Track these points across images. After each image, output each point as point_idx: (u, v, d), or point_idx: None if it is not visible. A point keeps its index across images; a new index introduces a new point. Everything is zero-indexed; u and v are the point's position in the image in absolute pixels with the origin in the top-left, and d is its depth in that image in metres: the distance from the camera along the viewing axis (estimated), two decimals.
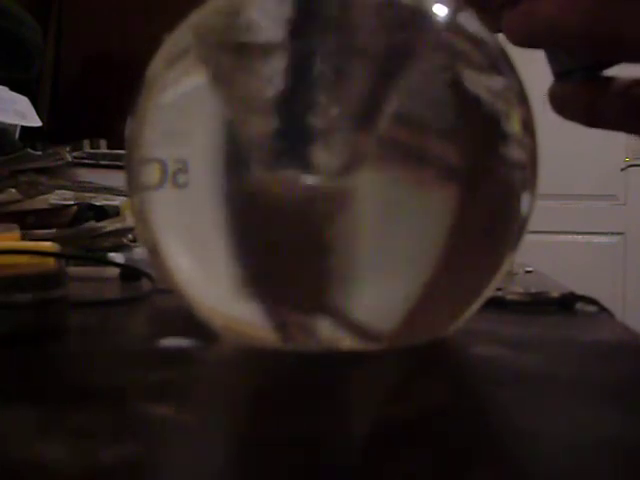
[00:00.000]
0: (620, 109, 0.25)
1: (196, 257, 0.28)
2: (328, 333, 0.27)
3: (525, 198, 0.27)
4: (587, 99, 0.25)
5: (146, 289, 0.46)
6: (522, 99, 0.28)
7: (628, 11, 0.23)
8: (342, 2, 0.27)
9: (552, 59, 0.26)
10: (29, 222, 0.64)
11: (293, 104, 0.25)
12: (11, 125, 0.76)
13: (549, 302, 0.41)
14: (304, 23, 0.26)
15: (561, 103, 0.26)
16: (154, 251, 0.29)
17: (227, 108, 0.27)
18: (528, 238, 0.29)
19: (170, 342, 0.31)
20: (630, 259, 2.16)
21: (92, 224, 0.64)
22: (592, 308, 0.41)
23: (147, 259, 0.31)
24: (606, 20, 0.23)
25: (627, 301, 2.10)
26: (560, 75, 0.26)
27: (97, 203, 0.67)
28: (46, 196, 0.65)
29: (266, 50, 0.26)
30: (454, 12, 0.27)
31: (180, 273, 0.28)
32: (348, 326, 0.27)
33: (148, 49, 0.29)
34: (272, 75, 0.26)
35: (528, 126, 0.27)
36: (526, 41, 0.25)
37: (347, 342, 0.27)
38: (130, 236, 0.67)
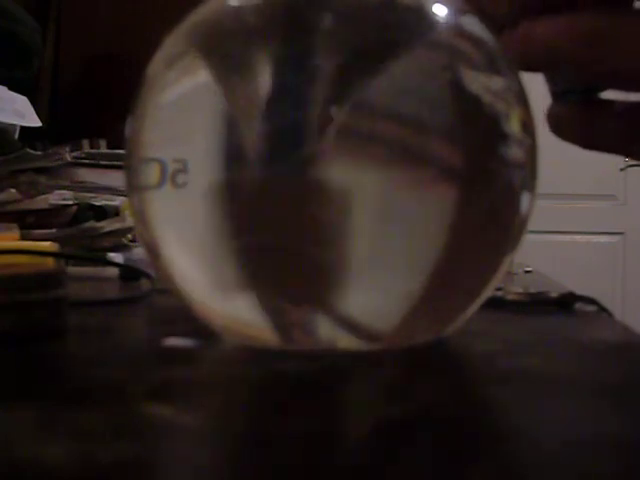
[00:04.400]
0: (616, 132, 0.25)
1: (195, 257, 0.28)
2: (328, 333, 0.27)
3: (525, 198, 0.27)
4: (583, 121, 0.26)
5: (145, 289, 0.46)
6: (522, 99, 0.28)
7: (623, 37, 0.23)
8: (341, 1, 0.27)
9: (549, 80, 0.26)
10: (29, 222, 0.64)
11: (292, 102, 0.25)
12: (10, 125, 0.76)
13: (548, 302, 0.41)
14: (302, 22, 0.26)
15: (558, 124, 0.26)
16: (153, 251, 0.29)
17: (227, 106, 0.27)
18: (528, 238, 0.29)
19: (170, 342, 0.31)
20: (630, 259, 2.16)
21: (92, 224, 0.64)
22: (591, 308, 0.41)
23: (146, 259, 0.31)
24: (601, 46, 0.23)
25: (627, 301, 2.10)
26: (557, 96, 0.26)
27: (97, 203, 0.67)
28: (46, 196, 0.65)
29: (263, 47, 0.26)
30: (454, 12, 0.27)
31: (179, 273, 0.28)
32: (348, 326, 0.27)
33: (148, 49, 0.29)
34: (270, 74, 0.26)
35: (528, 126, 0.27)
36: (523, 64, 0.25)
37: (347, 342, 0.27)
38: (129, 236, 0.67)
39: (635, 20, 0.23)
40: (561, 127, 0.26)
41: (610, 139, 0.26)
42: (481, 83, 0.26)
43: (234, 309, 0.28)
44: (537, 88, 0.28)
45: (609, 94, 0.26)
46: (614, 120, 0.25)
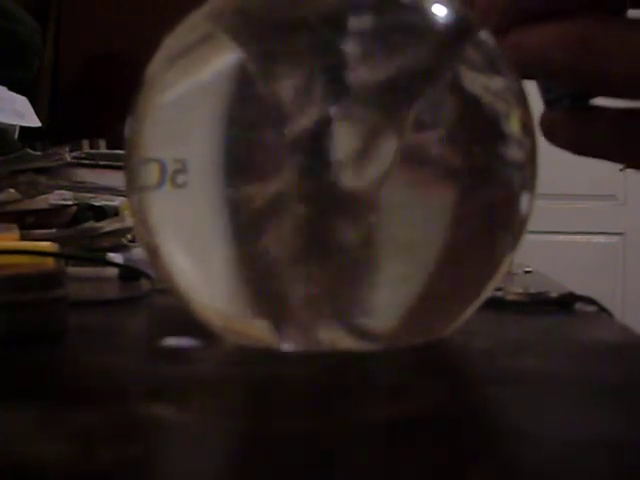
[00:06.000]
0: (607, 138, 0.25)
1: (195, 257, 0.28)
2: (328, 333, 0.27)
3: (525, 198, 0.27)
4: (575, 128, 0.26)
5: (145, 289, 0.46)
6: (522, 99, 0.28)
7: (611, 47, 0.23)
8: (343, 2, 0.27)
9: (542, 87, 0.27)
10: (28, 222, 0.64)
11: (300, 104, 0.25)
12: (10, 125, 0.76)
13: (548, 302, 0.41)
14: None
15: (551, 130, 0.26)
16: (153, 251, 0.29)
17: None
18: (528, 238, 0.29)
19: (170, 342, 0.31)
20: (630, 259, 2.16)
21: (91, 224, 0.64)
22: (591, 308, 0.41)
23: (146, 259, 0.31)
24: (590, 55, 0.23)
25: (627, 301, 2.10)
26: (550, 103, 0.26)
27: (96, 203, 0.67)
28: (45, 196, 0.65)
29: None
30: (454, 12, 0.27)
31: (179, 273, 0.28)
32: (348, 326, 0.27)
33: (148, 49, 0.29)
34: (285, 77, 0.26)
35: (528, 126, 0.27)
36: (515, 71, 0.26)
37: (347, 342, 0.27)
38: (129, 236, 0.67)
39: (625, 27, 0.23)
40: (554, 133, 0.26)
41: (602, 145, 0.26)
42: (481, 83, 0.26)
43: (234, 309, 0.28)
44: (537, 91, 0.28)
45: (603, 100, 0.26)
46: (606, 126, 0.25)
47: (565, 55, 0.23)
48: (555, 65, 0.24)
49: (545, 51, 0.24)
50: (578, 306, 0.41)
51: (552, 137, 0.26)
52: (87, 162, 0.71)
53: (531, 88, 0.28)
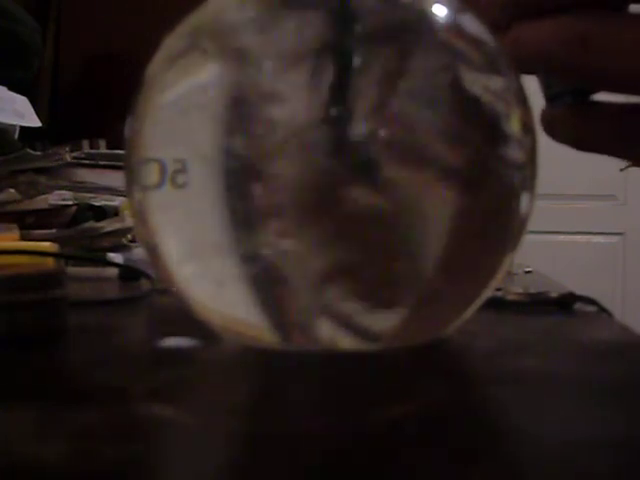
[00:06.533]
0: (608, 134, 0.25)
1: (195, 257, 0.28)
2: (328, 333, 0.27)
3: (525, 198, 0.27)
4: (575, 123, 0.26)
5: (145, 289, 0.46)
6: (522, 99, 0.28)
7: (610, 43, 0.23)
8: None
9: (542, 83, 0.27)
10: (28, 222, 0.64)
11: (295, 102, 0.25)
12: (10, 125, 0.76)
13: (548, 302, 0.41)
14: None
15: (551, 126, 0.26)
16: (153, 251, 0.29)
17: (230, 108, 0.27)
18: (528, 238, 0.29)
19: (170, 342, 0.31)
20: (630, 259, 2.16)
21: (91, 224, 0.64)
22: (591, 308, 0.41)
23: (146, 259, 0.31)
24: (589, 51, 0.23)
25: (627, 301, 2.10)
26: (550, 98, 0.26)
27: (96, 203, 0.67)
28: (45, 196, 0.65)
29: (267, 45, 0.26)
30: (454, 12, 0.27)
31: (179, 273, 0.28)
32: (348, 326, 0.27)
33: (148, 49, 0.29)
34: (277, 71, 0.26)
35: (528, 126, 0.27)
36: (516, 67, 0.26)
37: (347, 342, 0.27)
38: (129, 236, 0.67)
39: (624, 23, 0.23)
40: (554, 129, 0.26)
41: (603, 140, 0.26)
42: (481, 83, 0.26)
43: (234, 309, 0.28)
44: (537, 88, 0.28)
45: (604, 95, 0.26)
46: (607, 122, 0.25)
47: (565, 51, 0.23)
48: (555, 61, 0.24)
49: (545, 47, 0.24)
50: (578, 306, 0.41)
51: (553, 133, 0.26)
52: (87, 162, 0.71)
53: (532, 85, 0.28)
